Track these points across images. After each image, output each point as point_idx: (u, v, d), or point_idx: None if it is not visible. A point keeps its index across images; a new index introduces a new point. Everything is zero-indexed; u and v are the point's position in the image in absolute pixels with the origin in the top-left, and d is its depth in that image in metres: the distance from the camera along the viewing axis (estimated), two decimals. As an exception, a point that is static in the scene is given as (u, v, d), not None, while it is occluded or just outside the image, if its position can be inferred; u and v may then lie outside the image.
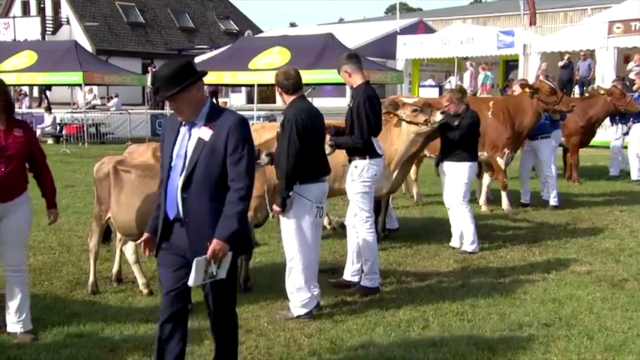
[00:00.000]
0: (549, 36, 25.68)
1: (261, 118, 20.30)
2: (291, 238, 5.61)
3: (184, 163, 3.95)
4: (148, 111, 25.27)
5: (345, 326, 5.50)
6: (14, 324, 5.23)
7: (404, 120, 7.48)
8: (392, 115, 7.56)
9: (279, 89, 5.64)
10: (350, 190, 6.41)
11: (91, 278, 6.41)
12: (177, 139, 4.02)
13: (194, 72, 3.96)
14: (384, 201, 8.65)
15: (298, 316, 5.57)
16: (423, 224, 9.55)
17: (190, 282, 3.78)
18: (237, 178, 3.87)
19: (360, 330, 5.43)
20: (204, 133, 3.92)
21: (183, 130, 4.02)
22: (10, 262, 5.21)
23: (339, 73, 6.52)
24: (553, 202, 10.62)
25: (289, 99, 5.61)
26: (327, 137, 6.06)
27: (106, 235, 6.62)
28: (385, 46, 28.72)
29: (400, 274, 7.05)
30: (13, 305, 5.23)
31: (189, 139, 3.97)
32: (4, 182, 5.00)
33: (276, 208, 5.57)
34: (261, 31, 40.90)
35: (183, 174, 3.93)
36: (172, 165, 4.00)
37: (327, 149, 5.98)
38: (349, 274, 6.57)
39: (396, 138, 7.65)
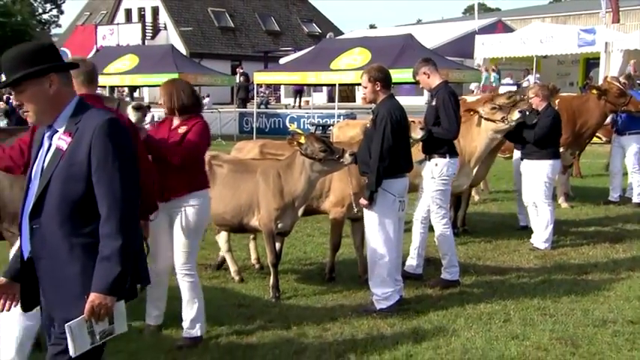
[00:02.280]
0: (632, 33, 24.47)
1: (342, 116, 20.31)
2: (375, 232, 5.57)
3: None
4: (236, 109, 25.74)
5: (426, 317, 5.42)
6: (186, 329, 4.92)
7: (483, 117, 7.33)
8: (472, 113, 7.44)
9: (377, 83, 5.53)
10: (428, 187, 6.32)
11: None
12: (39, 153, 2.88)
13: (50, 58, 2.78)
14: (465, 196, 8.51)
15: (381, 309, 5.52)
16: (502, 220, 9.31)
17: (71, 351, 2.69)
18: (106, 203, 2.70)
19: (442, 321, 5.34)
20: (62, 141, 2.76)
21: (46, 139, 2.85)
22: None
23: (416, 77, 6.44)
24: (637, 199, 10.13)
25: (382, 95, 5.56)
26: (415, 124, 6.03)
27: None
28: (463, 46, 28.16)
29: (480, 268, 6.89)
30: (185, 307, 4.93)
31: (47, 151, 2.82)
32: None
33: (363, 202, 5.54)
34: (342, 33, 40.86)
35: (33, 197, 2.80)
36: (30, 187, 2.86)
37: (419, 133, 5.96)
38: (411, 268, 6.47)
39: (476, 135, 7.50)
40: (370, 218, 5.58)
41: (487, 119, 7.27)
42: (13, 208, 4.29)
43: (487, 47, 25.28)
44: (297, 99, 30.96)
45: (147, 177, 4.05)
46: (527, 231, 8.05)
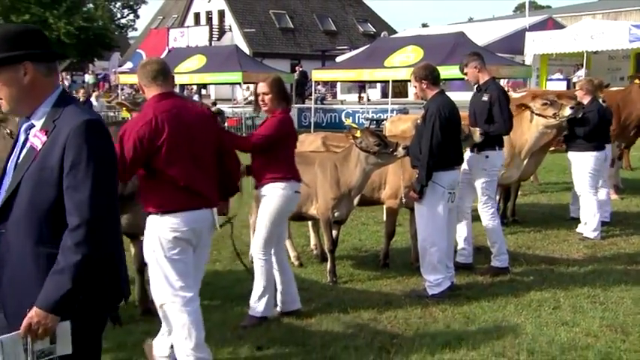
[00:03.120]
0: (685, 28, 23.35)
1: (395, 111, 20.20)
2: (425, 222, 5.51)
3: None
4: (295, 105, 25.85)
5: (477, 303, 5.32)
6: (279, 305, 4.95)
7: (534, 113, 7.16)
8: (524, 108, 7.27)
9: (425, 81, 5.49)
10: (477, 178, 6.19)
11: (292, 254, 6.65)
12: (15, 146, 2.53)
13: (26, 45, 2.42)
14: (514, 188, 8.34)
15: (432, 295, 5.45)
16: (551, 211, 9.06)
17: None
18: (74, 212, 2.31)
19: (492, 307, 5.23)
20: (37, 139, 2.42)
21: (23, 132, 2.52)
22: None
23: (465, 69, 6.32)
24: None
25: (431, 92, 5.48)
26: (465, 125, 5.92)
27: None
28: (513, 43, 27.43)
29: (530, 257, 6.72)
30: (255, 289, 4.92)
31: (22, 147, 2.49)
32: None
33: (413, 195, 5.48)
34: (396, 32, 40.45)
35: (1, 199, 2.44)
36: (1, 184, 2.49)
37: (478, 138, 5.89)
38: (462, 258, 6.34)
39: (527, 129, 7.32)
40: (421, 209, 5.53)
41: (539, 115, 7.10)
42: None
43: (537, 44, 24.57)
44: (360, 94, 30.77)
45: (229, 159, 4.05)
46: (577, 222, 7.82)
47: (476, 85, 6.38)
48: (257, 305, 4.84)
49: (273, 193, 4.74)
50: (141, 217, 4.77)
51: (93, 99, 26.85)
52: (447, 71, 17.89)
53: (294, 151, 4.99)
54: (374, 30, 45.60)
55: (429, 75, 5.49)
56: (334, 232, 6.05)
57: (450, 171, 5.49)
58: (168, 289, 3.69)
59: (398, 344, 4.49)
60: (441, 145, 5.30)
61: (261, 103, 4.83)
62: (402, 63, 19.27)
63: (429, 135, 5.30)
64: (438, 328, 4.81)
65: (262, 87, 4.82)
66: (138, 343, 4.44)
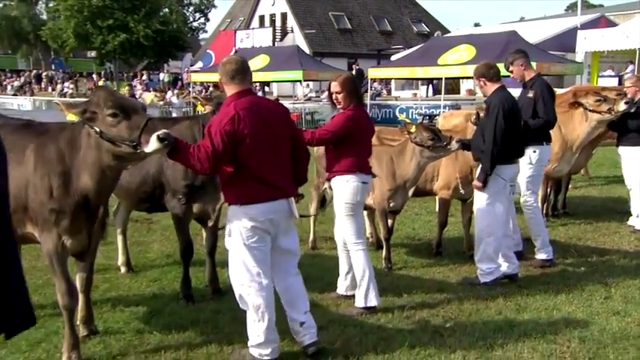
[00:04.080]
0: None
1: (447, 107, 19.87)
2: (484, 213, 5.37)
3: None
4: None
5: (528, 292, 5.17)
6: (359, 299, 4.76)
7: (587, 109, 6.88)
8: (576, 105, 7.00)
9: (482, 79, 5.37)
10: (522, 173, 5.97)
11: (311, 236, 6.66)
12: None
13: None
14: (565, 181, 8.06)
15: (484, 283, 5.32)
16: (602, 203, 8.72)
17: None
18: None
19: (543, 296, 5.08)
20: None
21: None
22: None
23: (511, 67, 6.11)
24: None
25: (492, 87, 5.35)
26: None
27: (322, 202, 6.81)
28: (565, 41, 26.48)
29: (580, 249, 6.49)
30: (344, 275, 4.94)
31: None
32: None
33: (477, 183, 5.36)
34: (449, 32, 39.69)
35: None
36: None
37: None
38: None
39: (578, 124, 7.06)
40: (481, 199, 5.40)
41: (592, 111, 6.83)
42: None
43: (589, 41, 23.64)
44: (428, 89, 30.26)
45: (301, 151, 4.02)
46: (628, 215, 7.49)
47: (522, 82, 6.20)
48: (365, 294, 4.69)
49: (341, 185, 4.70)
50: (209, 205, 4.86)
51: (174, 97, 27.55)
52: (500, 69, 17.57)
53: (366, 145, 4.85)
54: (428, 30, 44.88)
55: (486, 72, 5.38)
56: (389, 221, 6.02)
57: (512, 165, 5.39)
58: (245, 275, 3.73)
59: (451, 328, 4.42)
60: (504, 135, 5.16)
61: (335, 101, 4.81)
62: (455, 61, 18.99)
63: (492, 125, 5.17)
64: (490, 315, 4.70)
65: (335, 86, 4.79)
66: (208, 320, 4.53)
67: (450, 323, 4.52)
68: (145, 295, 5.15)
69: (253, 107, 3.71)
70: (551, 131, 6.16)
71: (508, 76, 6.24)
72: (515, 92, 5.89)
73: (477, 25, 55.19)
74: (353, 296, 4.90)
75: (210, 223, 4.98)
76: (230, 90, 3.78)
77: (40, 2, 53.10)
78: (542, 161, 6.04)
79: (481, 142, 5.30)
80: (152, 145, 3.32)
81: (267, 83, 29.74)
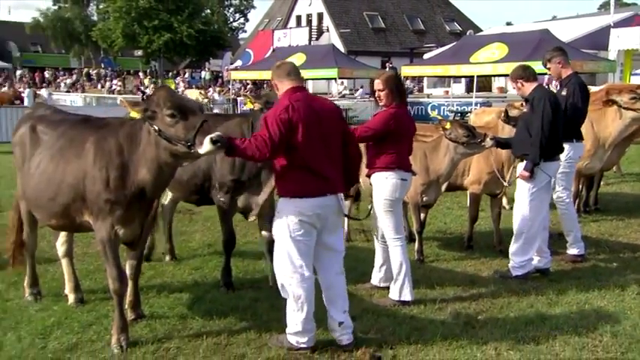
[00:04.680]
0: None
1: (479, 104, 19.58)
2: (524, 206, 5.23)
3: None
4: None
5: (560, 286, 5.05)
6: (393, 292, 4.70)
7: (621, 106, 6.66)
8: (610, 104, 6.78)
9: (520, 80, 5.25)
10: None
11: (346, 228, 6.63)
12: None
13: None
14: (597, 177, 7.85)
15: (516, 276, 5.22)
16: (634, 200, 8.47)
17: None
18: None
19: (575, 291, 4.95)
20: None
21: None
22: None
23: (548, 64, 5.96)
24: None
25: (530, 87, 5.23)
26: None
27: (357, 197, 6.76)
28: (597, 40, 25.72)
29: (612, 244, 6.32)
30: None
31: None
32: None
33: (524, 174, 5.20)
34: (481, 30, 39.01)
35: None
36: None
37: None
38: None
39: (611, 121, 6.85)
40: (523, 194, 5.26)
41: (627, 108, 6.62)
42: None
43: (622, 40, 22.92)
44: (469, 86, 29.80)
45: (353, 149, 3.98)
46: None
47: (559, 80, 6.04)
48: (396, 288, 4.67)
49: (380, 181, 4.65)
50: (253, 200, 4.85)
51: (215, 94, 27.82)
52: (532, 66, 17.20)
53: (407, 143, 4.77)
54: (460, 29, 44.21)
55: (523, 74, 5.26)
56: (422, 215, 5.96)
57: (555, 161, 5.29)
58: (289, 266, 3.74)
59: (483, 320, 4.35)
60: (551, 126, 5.03)
61: (377, 98, 4.76)
62: (487, 59, 18.71)
63: (539, 116, 5.04)
64: (522, 308, 4.61)
65: (377, 84, 4.75)
66: (247, 307, 4.56)
67: (481, 315, 4.45)
68: (187, 282, 5.22)
69: (306, 100, 3.76)
70: (583, 128, 6.00)
71: (546, 74, 6.09)
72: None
73: (508, 24, 54.09)
74: (386, 288, 4.87)
75: (250, 218, 4.97)
76: (285, 86, 3.81)
77: (92, 4, 54.27)
78: (573, 158, 5.88)
79: (527, 136, 5.16)
80: (205, 146, 3.37)
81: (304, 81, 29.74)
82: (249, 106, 4.06)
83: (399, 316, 4.43)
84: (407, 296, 4.66)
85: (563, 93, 5.81)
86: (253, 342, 3.96)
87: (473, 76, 20.71)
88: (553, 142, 5.12)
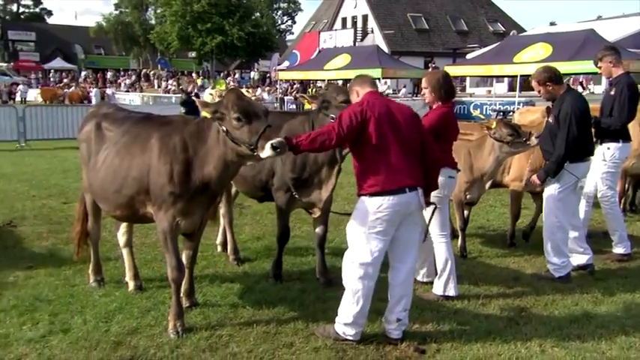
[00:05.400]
0: None
1: (521, 104, 19.09)
2: (553, 208, 5.06)
3: None
4: (428, 98, 25.21)
5: (605, 285, 4.88)
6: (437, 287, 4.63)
7: None
8: None
9: (549, 83, 5.00)
10: (598, 169, 5.61)
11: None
12: None
13: None
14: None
15: (560, 277, 5.02)
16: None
17: None
18: None
19: (621, 289, 4.76)
20: None
21: None
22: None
23: (599, 63, 5.70)
24: None
25: (560, 90, 5.01)
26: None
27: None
28: (643, 39, 24.69)
29: (659, 244, 6.03)
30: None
31: None
32: None
33: (535, 180, 5.09)
34: (525, 31, 37.96)
35: None
36: None
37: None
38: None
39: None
40: (551, 195, 5.09)
41: None
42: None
43: (669, 38, 21.91)
44: (511, 86, 29.15)
45: (432, 155, 3.86)
46: None
47: (609, 80, 5.79)
48: (445, 283, 4.58)
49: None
50: (314, 198, 4.71)
51: (265, 93, 28.04)
52: (576, 66, 16.60)
53: (452, 141, 4.68)
54: (503, 29, 43.18)
55: (552, 76, 5.01)
56: (465, 212, 5.85)
57: (584, 162, 5.07)
58: (356, 259, 3.69)
59: (527, 317, 4.23)
60: (576, 140, 4.85)
61: (423, 96, 4.70)
62: (531, 59, 18.29)
63: (564, 134, 4.84)
64: (566, 305, 4.46)
65: (423, 82, 4.69)
66: (295, 298, 4.57)
67: (525, 312, 4.32)
68: (237, 273, 5.26)
69: (382, 101, 3.79)
70: (630, 128, 5.74)
71: (594, 73, 5.83)
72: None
73: (552, 24, 52.42)
74: (429, 283, 4.79)
75: (315, 214, 4.87)
76: (364, 91, 3.85)
77: (150, 9, 55.63)
78: (620, 158, 5.63)
79: (550, 146, 5.00)
80: (266, 151, 3.44)
81: (348, 80, 29.66)
82: (307, 107, 4.04)
83: (442, 310, 4.35)
84: (451, 291, 4.58)
85: (612, 93, 5.58)
86: (301, 332, 3.96)
87: (516, 76, 20.23)
88: (581, 144, 4.89)
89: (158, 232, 3.97)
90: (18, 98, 30.86)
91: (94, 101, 22.81)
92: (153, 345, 3.71)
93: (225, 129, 3.62)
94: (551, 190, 5.10)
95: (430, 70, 27.82)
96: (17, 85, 34.84)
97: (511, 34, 32.54)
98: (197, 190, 3.79)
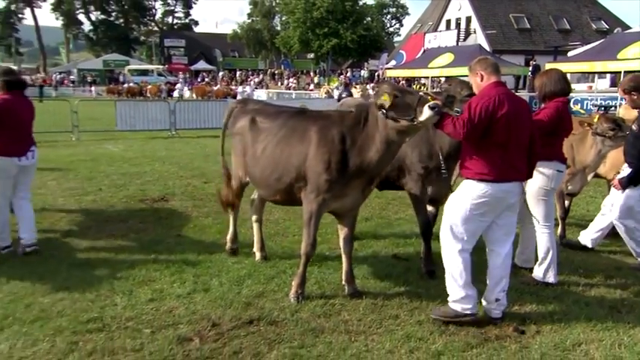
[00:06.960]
0: None
1: (624, 99, 17.12)
2: (624, 203, 4.59)
3: None
4: (527, 93, 23.60)
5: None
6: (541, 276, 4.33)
7: None
8: None
9: (635, 92, 4.53)
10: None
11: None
12: None
13: None
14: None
15: None
16: None
17: None
18: None
19: None
20: None
21: None
22: None
23: None
24: None
25: None
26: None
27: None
28: None
29: None
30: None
31: None
32: None
33: (617, 185, 4.61)
34: (629, 28, 34.13)
35: None
36: None
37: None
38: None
39: None
40: (617, 194, 4.62)
41: None
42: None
43: None
44: (614, 82, 26.75)
45: (536, 146, 3.65)
46: None
47: None
48: (545, 271, 4.30)
49: (537, 171, 4.20)
50: (442, 188, 4.44)
51: (371, 90, 27.85)
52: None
53: (563, 136, 4.33)
54: (607, 27, 39.13)
55: (637, 86, 4.49)
56: (566, 202, 5.41)
57: None
58: (456, 236, 3.55)
59: (629, 305, 3.83)
60: None
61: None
62: (636, 55, 16.53)
63: None
64: (614, 300, 3.98)
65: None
66: (400, 274, 4.47)
67: (627, 301, 3.91)
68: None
69: (509, 95, 3.56)
70: None
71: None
72: None
73: (660, 19, 46.61)
74: (527, 269, 4.49)
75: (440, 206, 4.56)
76: (489, 80, 3.58)
77: (276, 17, 57.37)
78: None
79: (635, 152, 4.45)
80: (425, 113, 3.36)
81: (451, 78, 28.58)
82: (431, 102, 3.75)
83: (541, 295, 4.06)
84: (551, 279, 4.25)
85: None
86: (405, 305, 3.88)
87: (619, 72, 18.31)
88: None
89: (304, 211, 3.89)
90: (176, 94, 33.21)
91: (239, 97, 23.99)
92: (276, 308, 3.80)
93: (384, 111, 3.52)
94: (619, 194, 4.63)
95: (530, 65, 26.01)
96: (174, 84, 37.57)
97: (615, 31, 29.32)
98: (352, 175, 3.73)
